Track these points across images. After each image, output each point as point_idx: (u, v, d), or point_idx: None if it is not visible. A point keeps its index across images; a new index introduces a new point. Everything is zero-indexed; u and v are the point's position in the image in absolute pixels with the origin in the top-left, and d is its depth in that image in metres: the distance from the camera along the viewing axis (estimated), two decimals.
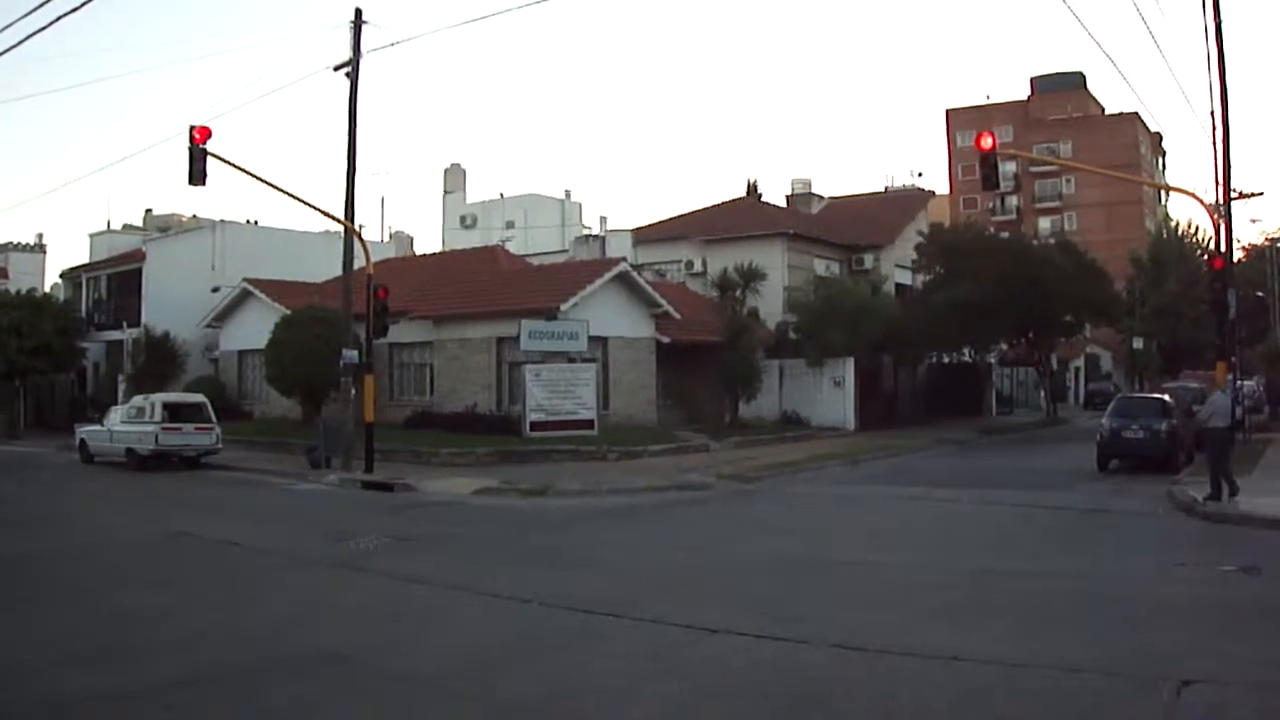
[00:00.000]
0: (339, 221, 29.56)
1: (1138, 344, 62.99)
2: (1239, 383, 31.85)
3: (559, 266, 41.89)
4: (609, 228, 58.73)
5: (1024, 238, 55.47)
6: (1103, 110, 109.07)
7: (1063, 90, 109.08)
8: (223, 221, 50.37)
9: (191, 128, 24.39)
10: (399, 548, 16.34)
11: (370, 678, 8.88)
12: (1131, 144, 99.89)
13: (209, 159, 24.54)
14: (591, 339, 33.16)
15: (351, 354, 28.42)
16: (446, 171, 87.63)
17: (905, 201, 61.25)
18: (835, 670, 8.91)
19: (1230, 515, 17.91)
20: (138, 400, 31.16)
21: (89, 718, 7.80)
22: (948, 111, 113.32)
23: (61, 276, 55.85)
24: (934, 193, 73.86)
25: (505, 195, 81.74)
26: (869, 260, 50.86)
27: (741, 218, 49.73)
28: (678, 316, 37.12)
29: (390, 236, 62.59)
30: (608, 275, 35.35)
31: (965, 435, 39.82)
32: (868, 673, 8.78)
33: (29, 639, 10.36)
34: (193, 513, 20.63)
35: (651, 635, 10.29)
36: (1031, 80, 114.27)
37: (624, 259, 38.78)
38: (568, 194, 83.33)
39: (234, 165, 26.30)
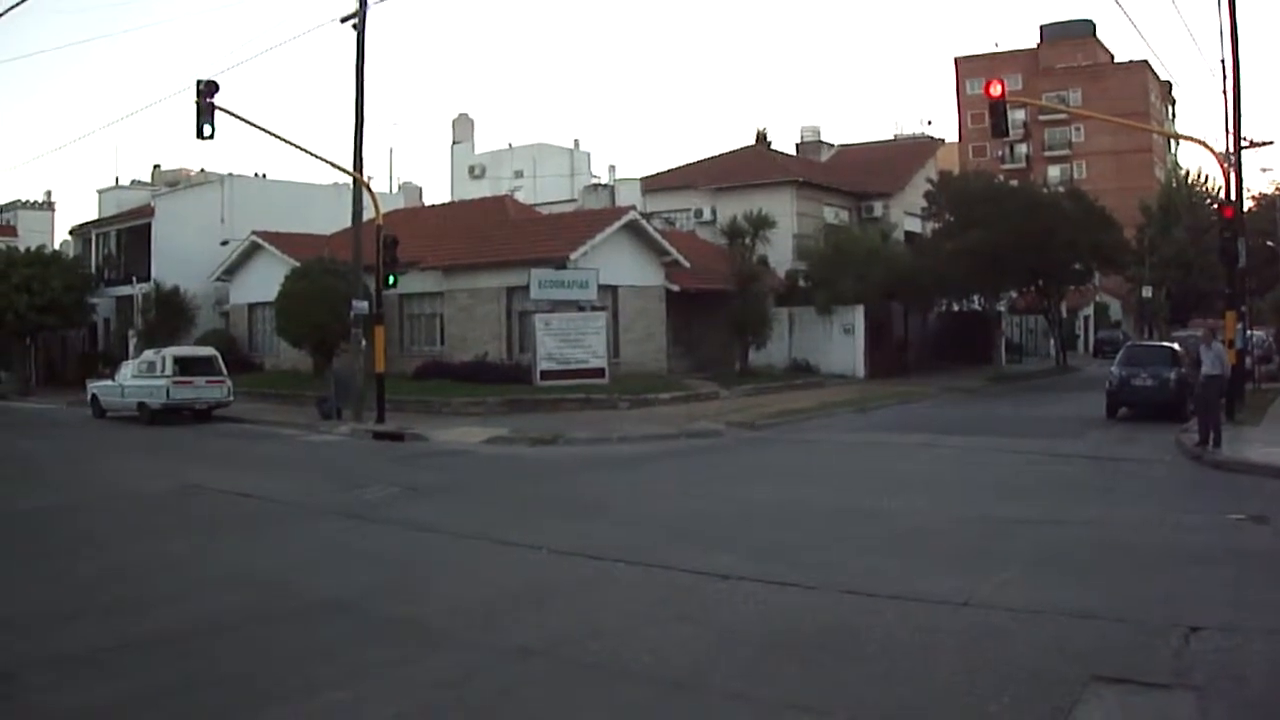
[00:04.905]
0: (347, 173, 29.55)
1: (1147, 293, 62.88)
2: (1249, 333, 31.75)
3: (568, 215, 41.78)
4: (618, 176, 58.46)
5: (1033, 186, 55.08)
6: (1112, 59, 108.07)
7: (1072, 38, 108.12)
8: (231, 175, 50.24)
9: (199, 82, 24.36)
10: (410, 497, 16.43)
11: (380, 625, 8.99)
12: (1141, 93, 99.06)
13: (217, 113, 24.54)
14: (601, 287, 33.10)
15: (362, 305, 28.47)
16: (454, 122, 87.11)
17: (914, 149, 61.00)
18: (845, 616, 8.97)
19: (1239, 464, 17.92)
20: (149, 355, 31.23)
21: (104, 668, 7.86)
22: (956, 60, 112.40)
23: (71, 233, 55.81)
24: (943, 141, 73.48)
25: (513, 145, 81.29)
26: (878, 208, 50.76)
27: (751, 166, 49.52)
28: (687, 265, 37.04)
29: (399, 187, 62.31)
30: (617, 224, 35.23)
31: (975, 383, 39.81)
32: (877, 618, 8.82)
33: (43, 592, 10.47)
34: (205, 465, 20.73)
35: (662, 581, 10.36)
36: (1041, 28, 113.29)
37: (633, 207, 38.62)
38: (576, 143, 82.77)
39: (242, 119, 26.33)
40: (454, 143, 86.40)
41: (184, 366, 29.75)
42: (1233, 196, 27.72)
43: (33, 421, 32.54)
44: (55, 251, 50.08)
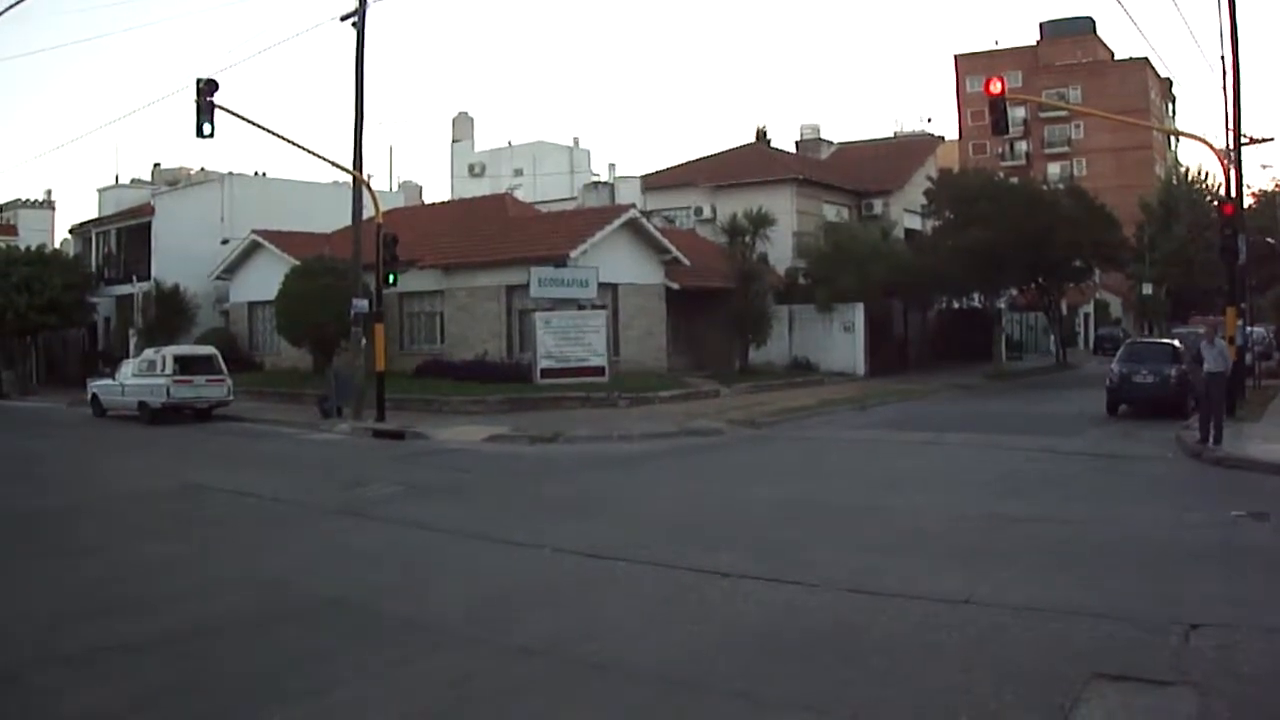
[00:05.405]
0: (347, 171, 29.53)
1: (1147, 290, 62.88)
2: (1249, 329, 31.76)
3: (568, 214, 41.78)
4: (618, 174, 58.51)
5: (1033, 183, 55.05)
6: (1112, 56, 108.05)
7: (1072, 35, 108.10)
8: (231, 174, 50.15)
9: (199, 80, 24.35)
10: (411, 495, 16.43)
11: (382, 624, 9.00)
12: (1141, 90, 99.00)
13: (216, 111, 24.53)
14: (601, 286, 33.08)
15: (361, 303, 28.44)
16: (454, 120, 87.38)
17: (914, 147, 61.05)
18: (846, 614, 8.98)
19: (1240, 460, 17.92)
20: (149, 353, 31.22)
21: (105, 669, 7.87)
22: (956, 57, 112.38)
23: (71, 232, 55.70)
24: (943, 138, 73.59)
25: (513, 143, 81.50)
26: (878, 206, 50.73)
27: (751, 164, 49.49)
28: (687, 263, 37.04)
29: (399, 186, 62.36)
30: (617, 222, 35.24)
31: (975, 380, 39.79)
32: (879, 616, 8.83)
33: (45, 593, 10.48)
34: (206, 464, 20.75)
35: (664, 580, 10.37)
36: (1041, 25, 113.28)
37: (633, 205, 38.64)
38: (576, 141, 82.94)
39: (241, 117, 26.31)
40: (454, 141, 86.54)
41: (184, 365, 29.73)
42: (1233, 193, 27.74)
43: (33, 421, 32.54)
44: (55, 250, 50.01)
